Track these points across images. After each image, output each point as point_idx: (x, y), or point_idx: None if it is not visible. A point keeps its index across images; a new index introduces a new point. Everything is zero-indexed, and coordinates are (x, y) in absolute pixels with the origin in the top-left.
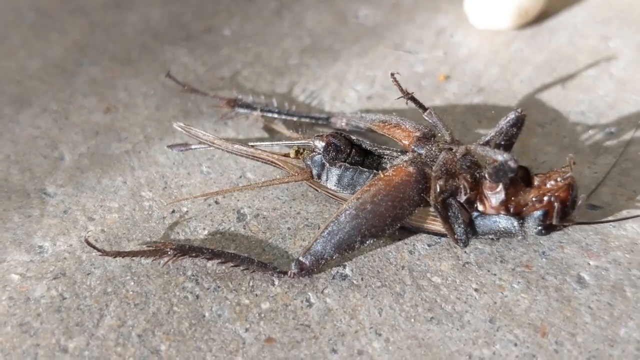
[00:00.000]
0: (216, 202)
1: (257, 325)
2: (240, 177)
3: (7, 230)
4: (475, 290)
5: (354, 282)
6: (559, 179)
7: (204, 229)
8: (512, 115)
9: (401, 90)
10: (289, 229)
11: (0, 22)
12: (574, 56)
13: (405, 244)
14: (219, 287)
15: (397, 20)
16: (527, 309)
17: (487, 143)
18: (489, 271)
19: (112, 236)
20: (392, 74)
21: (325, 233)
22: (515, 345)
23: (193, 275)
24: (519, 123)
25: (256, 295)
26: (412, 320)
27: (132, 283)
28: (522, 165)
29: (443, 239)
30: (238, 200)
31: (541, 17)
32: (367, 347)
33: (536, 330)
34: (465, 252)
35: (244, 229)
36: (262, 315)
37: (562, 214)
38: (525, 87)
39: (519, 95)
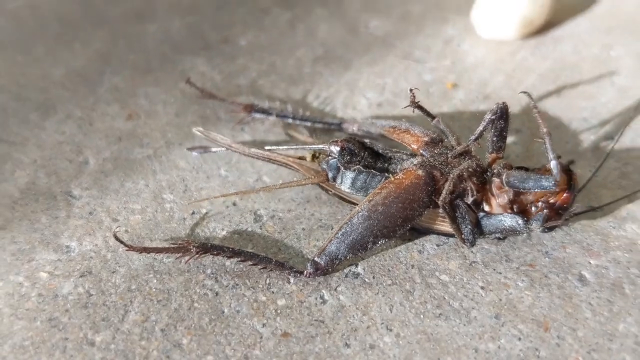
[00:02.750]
0: (234, 204)
1: (273, 321)
2: (257, 180)
3: (35, 230)
4: (482, 288)
5: (366, 280)
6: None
7: (223, 229)
8: (494, 108)
9: (422, 109)
10: (303, 229)
11: (26, 31)
12: (578, 65)
13: (415, 244)
14: (237, 284)
15: (406, 31)
16: (530, 305)
17: (478, 137)
18: (494, 270)
19: (135, 236)
20: (411, 90)
21: (339, 234)
22: (519, 339)
23: (212, 274)
24: (504, 115)
25: (272, 292)
26: (422, 316)
27: (155, 281)
28: (523, 166)
29: (451, 239)
30: (255, 203)
31: (546, 27)
32: (379, 342)
33: (539, 326)
34: (472, 251)
35: (261, 229)
36: (279, 311)
37: (563, 209)
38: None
39: (524, 103)
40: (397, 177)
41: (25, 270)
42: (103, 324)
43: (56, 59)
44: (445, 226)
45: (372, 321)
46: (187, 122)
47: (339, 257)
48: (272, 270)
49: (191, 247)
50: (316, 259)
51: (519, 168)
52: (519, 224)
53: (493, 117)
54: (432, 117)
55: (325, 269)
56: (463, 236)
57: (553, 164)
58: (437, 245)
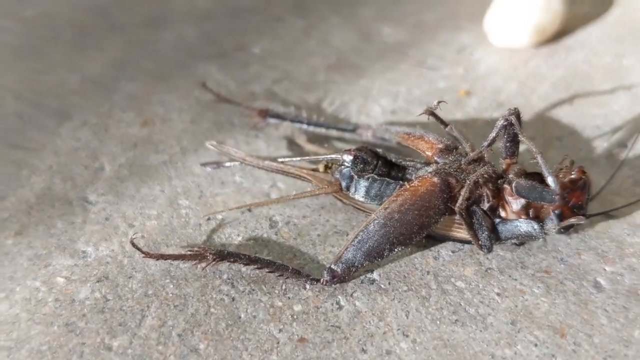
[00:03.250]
0: (249, 210)
1: (290, 326)
2: (272, 186)
3: (51, 236)
4: (498, 294)
5: (382, 286)
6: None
7: (238, 235)
8: (506, 114)
9: (436, 116)
10: (318, 235)
11: (40, 38)
12: (590, 73)
13: (430, 250)
14: (253, 290)
15: (419, 39)
16: (546, 311)
17: (491, 143)
18: (510, 276)
19: (151, 242)
20: (439, 102)
21: (356, 242)
22: (536, 345)
23: (229, 279)
24: (515, 120)
25: (289, 298)
26: (438, 322)
27: (172, 286)
28: (535, 172)
29: (466, 245)
30: (270, 209)
31: (558, 35)
32: (395, 348)
33: (555, 332)
34: (487, 258)
35: (276, 235)
36: (295, 316)
37: (577, 208)
38: (543, 103)
39: (537, 110)
40: (413, 184)
41: (42, 275)
42: (120, 328)
43: (72, 66)
44: (462, 233)
45: (389, 327)
46: (202, 129)
47: (356, 264)
48: (289, 278)
49: (208, 254)
50: (333, 266)
51: (531, 175)
52: (534, 229)
53: (505, 123)
54: (445, 124)
55: (342, 277)
56: (480, 242)
57: (550, 180)
58: (453, 252)
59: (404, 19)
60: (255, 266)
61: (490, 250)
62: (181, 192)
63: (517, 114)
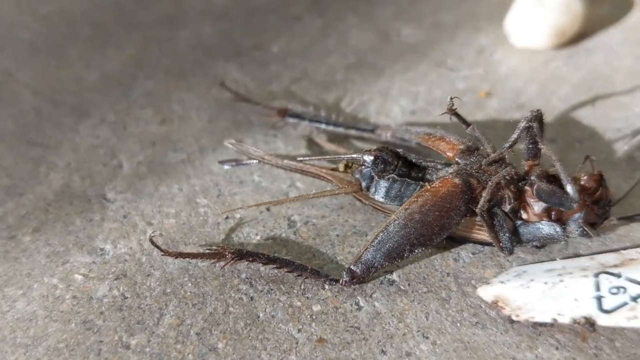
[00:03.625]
0: (268, 210)
1: (309, 327)
2: (290, 185)
3: (69, 233)
4: None
5: (401, 287)
6: (590, 180)
7: (257, 234)
8: (529, 115)
9: (458, 116)
10: (337, 235)
11: (58, 35)
12: (610, 75)
13: (450, 252)
14: (272, 289)
15: (438, 39)
16: None
17: (513, 144)
18: None
19: (169, 240)
20: (452, 98)
21: (375, 242)
22: (557, 349)
23: (247, 278)
24: (537, 122)
25: (307, 298)
26: (458, 324)
27: (190, 284)
28: (555, 174)
29: (486, 247)
30: (288, 208)
31: (578, 37)
32: (415, 349)
33: (576, 335)
34: (508, 260)
35: (295, 235)
36: (314, 317)
37: (600, 212)
38: (563, 105)
39: (557, 112)
40: (434, 185)
41: (60, 272)
42: (138, 327)
43: (89, 63)
44: (483, 234)
45: (408, 328)
46: (221, 128)
47: (375, 265)
48: (307, 278)
49: (227, 253)
50: (352, 267)
51: (554, 177)
52: (557, 232)
53: (527, 124)
54: (468, 124)
55: (361, 277)
56: (501, 244)
57: (569, 188)
58: (473, 254)
59: (422, 19)
60: (274, 265)
61: (511, 252)
62: (199, 190)
63: (539, 116)
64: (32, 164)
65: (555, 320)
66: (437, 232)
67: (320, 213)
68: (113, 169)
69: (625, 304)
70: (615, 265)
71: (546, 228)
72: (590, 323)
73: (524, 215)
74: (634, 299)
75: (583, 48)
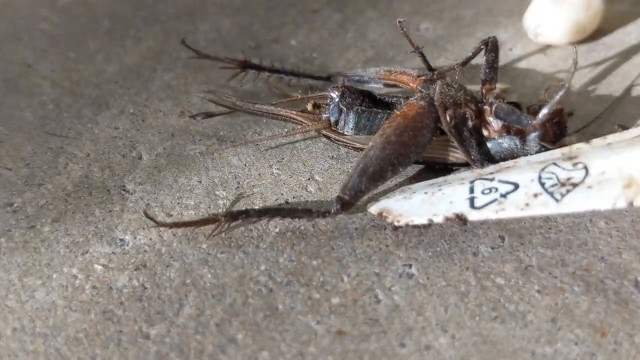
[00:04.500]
0: (286, 202)
1: (327, 319)
2: (309, 179)
3: (89, 223)
4: (537, 291)
5: (420, 281)
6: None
7: (276, 226)
8: (485, 40)
9: (411, 44)
10: (356, 229)
11: (78, 28)
12: (629, 72)
13: (469, 246)
14: (290, 281)
15: (457, 34)
16: (587, 310)
17: (465, 63)
18: (550, 274)
19: (189, 231)
20: (400, 22)
21: (359, 169)
22: (576, 344)
23: (266, 270)
24: (494, 48)
25: (326, 290)
26: (477, 318)
27: (209, 275)
28: (515, 102)
29: (505, 242)
30: (307, 202)
31: (597, 33)
32: (434, 343)
33: (596, 331)
34: (527, 255)
35: (314, 228)
36: (333, 309)
37: (558, 131)
38: (582, 100)
39: (577, 107)
40: (402, 109)
41: (79, 262)
42: (158, 317)
43: (109, 55)
44: (457, 154)
45: (427, 322)
46: (239, 121)
47: (362, 189)
48: (300, 218)
49: (220, 217)
50: (340, 195)
51: (510, 104)
52: (517, 145)
53: (482, 47)
54: (432, 69)
55: (349, 202)
56: (472, 157)
57: (544, 112)
58: (492, 248)
59: (440, 13)
60: (268, 216)
61: (482, 164)
62: (218, 182)
63: (495, 43)
64: (51, 154)
65: (430, 220)
66: (414, 151)
67: None
68: (132, 161)
69: (494, 200)
70: (491, 173)
71: (507, 142)
72: (461, 219)
73: (485, 133)
74: (503, 195)
75: (602, 44)
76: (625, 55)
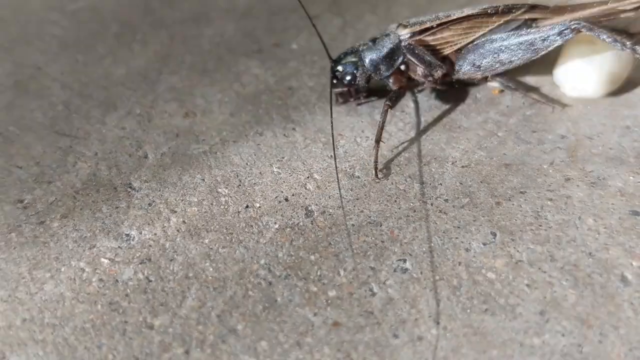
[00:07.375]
0: (286, 200)
1: (324, 311)
2: (308, 177)
3: (96, 219)
4: (527, 285)
5: (414, 275)
6: None
7: (275, 223)
8: None
9: None
10: (353, 225)
11: (87, 32)
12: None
13: (462, 242)
14: (289, 275)
15: None
16: (574, 303)
17: None
18: (539, 269)
19: (192, 227)
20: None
21: None
22: (563, 335)
23: (266, 264)
24: None
25: (323, 283)
26: (468, 311)
27: (211, 269)
28: None
29: (497, 238)
30: (306, 199)
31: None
32: (426, 334)
33: (582, 323)
34: (517, 251)
35: (312, 224)
36: (329, 301)
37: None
38: (574, 102)
39: (568, 110)
40: None
41: (87, 256)
42: (162, 308)
43: (117, 58)
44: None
45: (420, 314)
46: (242, 121)
47: None
48: None
49: None
50: None
51: None
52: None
53: None
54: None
55: None
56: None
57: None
58: (484, 244)
59: None
60: None
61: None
62: (221, 180)
63: None
64: (60, 153)
65: None
66: None
67: (337, 203)
68: (138, 159)
69: None
70: None
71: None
72: None
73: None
74: None
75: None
76: None
